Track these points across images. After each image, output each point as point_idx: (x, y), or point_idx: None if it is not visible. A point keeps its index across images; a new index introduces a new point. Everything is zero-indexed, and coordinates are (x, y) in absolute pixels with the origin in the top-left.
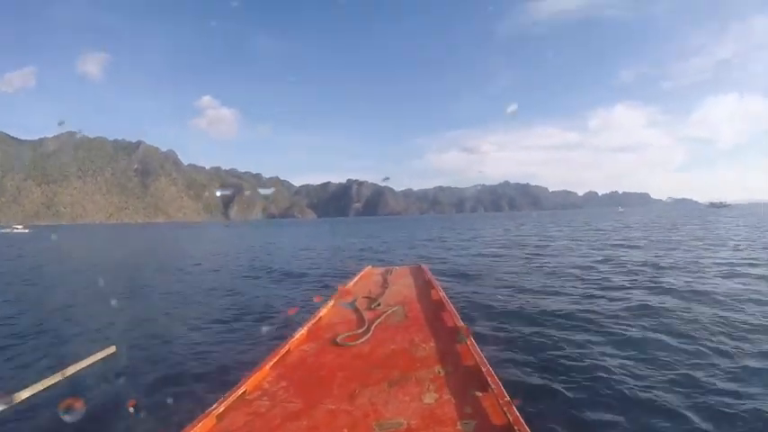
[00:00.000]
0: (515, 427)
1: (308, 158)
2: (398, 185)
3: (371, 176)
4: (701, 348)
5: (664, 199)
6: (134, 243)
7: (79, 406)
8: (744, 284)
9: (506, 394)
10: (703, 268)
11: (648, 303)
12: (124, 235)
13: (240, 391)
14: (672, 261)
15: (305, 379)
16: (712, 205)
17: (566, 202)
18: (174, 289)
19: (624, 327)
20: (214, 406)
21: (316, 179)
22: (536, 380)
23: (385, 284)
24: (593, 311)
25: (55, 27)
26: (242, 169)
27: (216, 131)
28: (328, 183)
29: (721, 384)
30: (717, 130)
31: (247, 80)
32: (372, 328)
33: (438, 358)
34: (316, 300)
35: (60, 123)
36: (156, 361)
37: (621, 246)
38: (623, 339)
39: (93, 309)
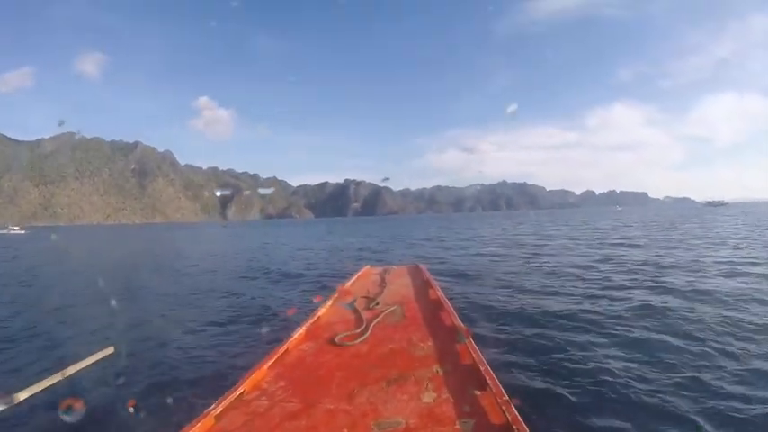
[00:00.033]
0: (514, 426)
1: (306, 159)
2: (397, 185)
3: (370, 176)
4: (706, 350)
5: (661, 198)
6: (130, 244)
7: (79, 406)
8: (746, 283)
9: (505, 393)
10: (705, 267)
11: (651, 303)
12: (120, 236)
13: (238, 391)
14: (672, 260)
15: (303, 378)
16: (710, 204)
17: (563, 202)
18: (171, 290)
19: (627, 327)
20: (212, 406)
21: (313, 179)
22: (536, 381)
23: (383, 284)
24: (595, 312)
25: (52, 27)
26: (239, 170)
27: (213, 132)
28: (326, 183)
29: (729, 387)
30: (715, 128)
31: (245, 80)
32: (371, 327)
33: (436, 357)
34: (316, 300)
35: (60, 124)
36: (154, 361)
37: (621, 245)
38: (626, 340)
39: (90, 310)
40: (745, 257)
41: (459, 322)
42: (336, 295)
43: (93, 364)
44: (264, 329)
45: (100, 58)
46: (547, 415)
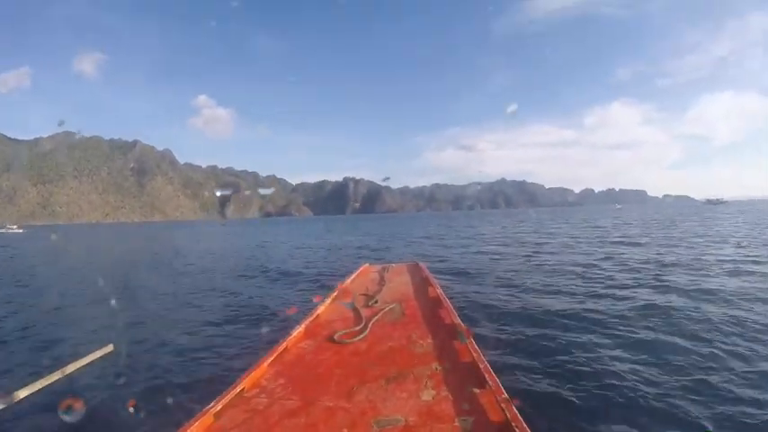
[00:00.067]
0: (513, 425)
1: (306, 157)
2: (396, 183)
3: (369, 174)
4: (713, 351)
5: (660, 196)
6: (127, 243)
7: (79, 406)
8: (750, 282)
9: (504, 392)
10: (708, 266)
11: (655, 302)
12: (118, 234)
13: (238, 389)
14: (674, 258)
15: (303, 376)
16: (709, 202)
17: (562, 200)
18: (170, 289)
19: (631, 327)
20: (212, 404)
21: (312, 177)
22: (537, 381)
23: (382, 282)
24: (598, 311)
25: (50, 27)
26: (238, 168)
27: (212, 131)
28: (325, 181)
29: (739, 391)
30: (713, 127)
31: (244, 80)
32: (370, 325)
33: (436, 355)
34: (315, 300)
35: (60, 124)
36: (153, 360)
37: (622, 243)
38: (630, 341)
39: (88, 309)
40: (748, 256)
41: (458, 320)
42: (335, 293)
43: (92, 362)
44: (263, 328)
45: (99, 58)
46: (547, 415)
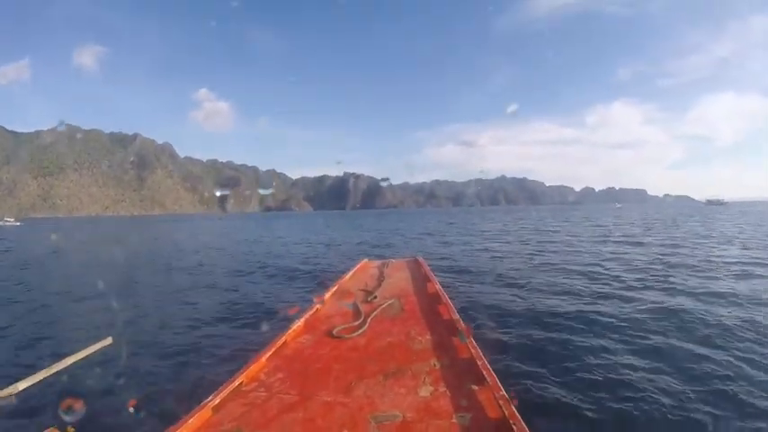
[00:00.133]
0: (511, 422)
1: (306, 152)
2: (396, 179)
3: (369, 170)
4: (730, 359)
5: (661, 196)
6: (126, 237)
7: (79, 406)
8: (761, 285)
9: (502, 389)
10: (715, 267)
11: (665, 305)
12: (117, 228)
13: (236, 383)
14: (680, 259)
15: (301, 371)
16: (709, 203)
17: (562, 198)
18: (167, 284)
19: (641, 331)
20: (210, 397)
21: (312, 172)
22: (540, 384)
23: (381, 277)
24: (605, 313)
25: (51, 20)
26: (239, 162)
27: (212, 124)
28: (325, 176)
29: (761, 404)
30: (714, 128)
31: (245, 76)
32: (368, 320)
33: (434, 351)
34: (315, 299)
35: (60, 124)
36: (151, 353)
37: (625, 242)
38: (641, 345)
39: (86, 304)
40: (755, 258)
41: (457, 317)
42: (334, 288)
43: (91, 354)
44: (262, 322)
45: (100, 51)
46: (547, 415)
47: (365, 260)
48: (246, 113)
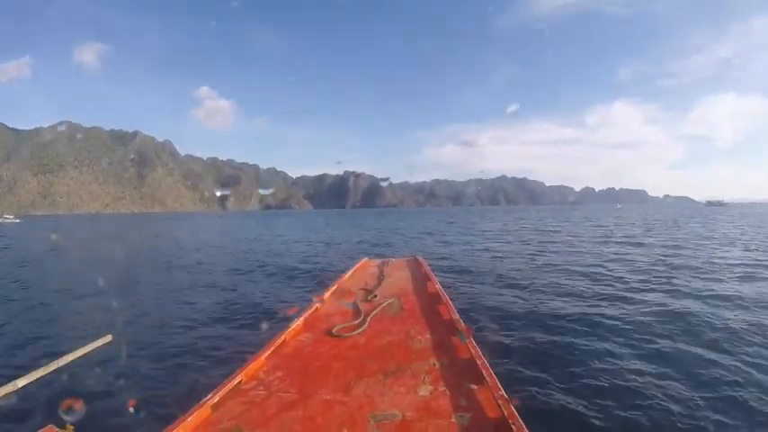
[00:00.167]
0: (510, 421)
1: (306, 151)
2: (396, 178)
3: (369, 168)
4: (738, 364)
5: (661, 196)
6: (126, 235)
7: (79, 406)
8: (766, 288)
9: (502, 389)
10: (719, 269)
11: (669, 308)
12: (116, 226)
13: (236, 381)
14: (683, 261)
15: (300, 369)
16: (710, 204)
17: (562, 198)
18: (167, 282)
19: (648, 335)
20: (209, 395)
21: (313, 171)
22: (541, 385)
23: (381, 276)
24: (610, 316)
25: (53, 17)
26: (239, 160)
27: (213, 122)
28: (325, 174)
29: None
30: (715, 128)
31: (245, 75)
32: (368, 319)
33: (434, 351)
34: (315, 299)
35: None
36: (151, 351)
37: (627, 243)
38: (650, 350)
39: (85, 301)
40: (758, 260)
41: (457, 316)
42: (334, 287)
43: (91, 352)
44: (261, 321)
45: (101, 48)
46: (552, 422)
47: (365, 259)
48: (247, 112)
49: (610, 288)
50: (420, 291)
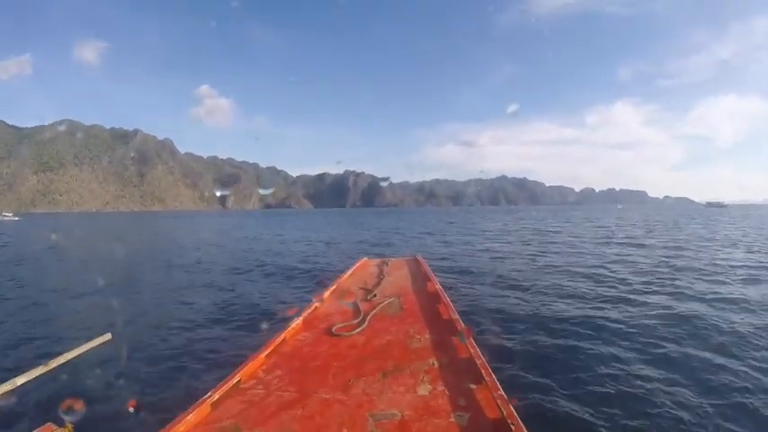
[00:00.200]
0: (509, 421)
1: (306, 150)
2: (396, 178)
3: (369, 168)
4: (747, 369)
5: (661, 197)
6: (125, 233)
7: (78, 406)
8: None
9: (501, 388)
10: (722, 271)
11: (675, 311)
12: (116, 225)
13: (235, 380)
14: (685, 262)
15: (300, 368)
16: (710, 205)
17: (562, 198)
18: (167, 281)
19: (654, 338)
20: (209, 394)
21: (313, 170)
22: (542, 387)
23: (381, 276)
24: (614, 319)
25: (53, 15)
26: (239, 159)
27: (213, 121)
28: (325, 173)
29: None
30: (715, 129)
31: (245, 73)
32: (368, 318)
33: (433, 350)
34: (315, 298)
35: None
36: (150, 350)
37: (629, 244)
38: (656, 355)
39: (83, 301)
40: (762, 262)
41: (456, 316)
42: (334, 287)
43: (90, 350)
44: (260, 321)
45: (101, 46)
46: (552, 423)
47: (365, 258)
48: (247, 111)
49: (613, 290)
50: (420, 290)
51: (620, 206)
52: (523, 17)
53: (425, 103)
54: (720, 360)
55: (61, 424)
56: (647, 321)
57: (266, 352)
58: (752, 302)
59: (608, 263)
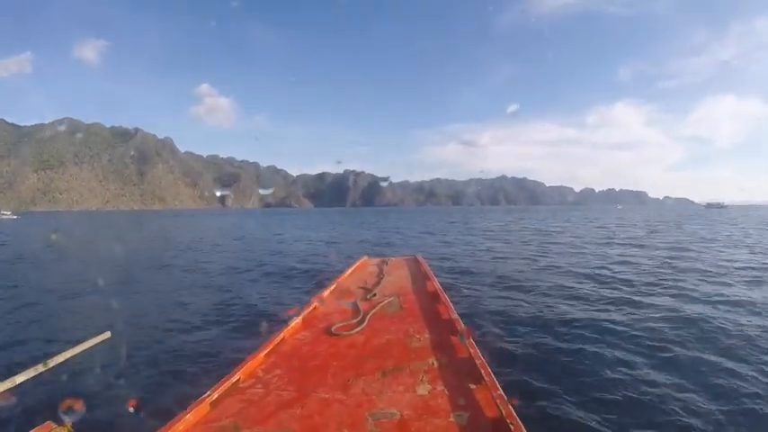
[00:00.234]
0: (508, 421)
1: (306, 149)
2: (396, 177)
3: (369, 168)
4: (756, 375)
5: (661, 198)
6: (125, 232)
7: (78, 406)
8: None
9: (500, 388)
10: (727, 272)
11: (681, 313)
12: (116, 224)
13: (234, 379)
14: (689, 263)
15: (299, 367)
16: (710, 206)
17: (562, 198)
18: (166, 281)
19: (660, 341)
20: (208, 393)
21: (313, 169)
22: (539, 385)
23: (380, 275)
24: (619, 321)
25: (54, 14)
26: (239, 158)
27: (214, 120)
28: (326, 173)
29: None
30: (715, 130)
31: (245, 73)
32: (367, 318)
33: (432, 350)
34: (314, 298)
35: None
36: (150, 348)
37: (631, 245)
38: (663, 358)
39: (85, 299)
40: (766, 264)
41: (456, 316)
42: (333, 286)
43: (90, 348)
44: (260, 319)
45: (102, 45)
46: (546, 416)
47: (365, 258)
48: (247, 110)
49: (616, 291)
50: (419, 290)
51: (620, 206)
52: (523, 17)
53: (425, 102)
54: (729, 364)
55: (60, 423)
56: (651, 324)
57: (265, 351)
58: (758, 304)
59: (610, 264)
